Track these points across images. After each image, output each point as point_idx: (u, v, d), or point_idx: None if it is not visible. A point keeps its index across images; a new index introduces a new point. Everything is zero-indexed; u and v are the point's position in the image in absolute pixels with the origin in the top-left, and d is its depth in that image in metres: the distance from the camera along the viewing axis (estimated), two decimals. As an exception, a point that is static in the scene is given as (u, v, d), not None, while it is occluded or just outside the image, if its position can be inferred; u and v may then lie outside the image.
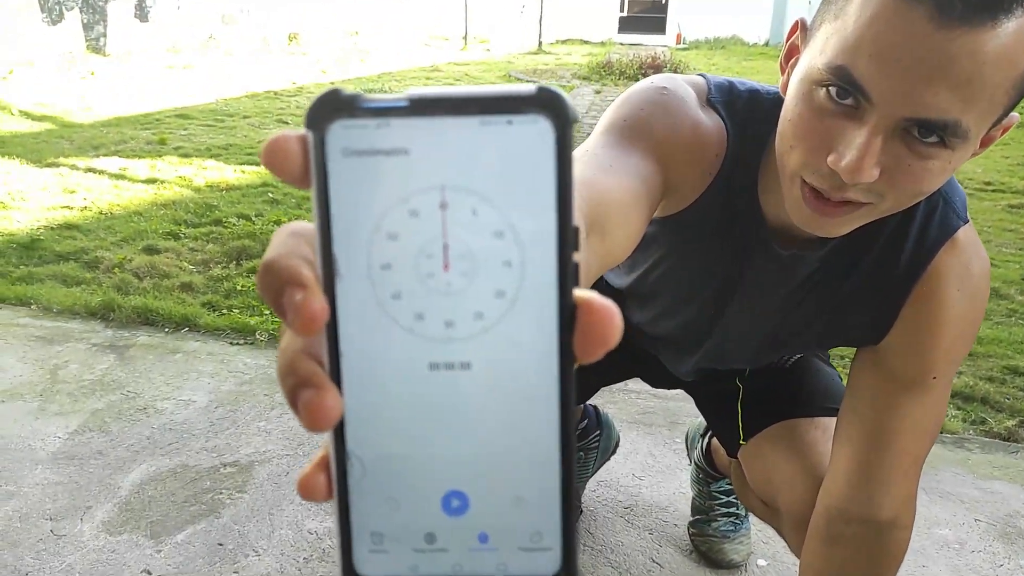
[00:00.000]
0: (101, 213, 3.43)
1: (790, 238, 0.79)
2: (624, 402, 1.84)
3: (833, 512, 0.88)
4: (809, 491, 0.94)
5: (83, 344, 2.13)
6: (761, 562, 1.35)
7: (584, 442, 1.43)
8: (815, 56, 0.62)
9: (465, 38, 15.71)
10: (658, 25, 19.56)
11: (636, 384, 1.98)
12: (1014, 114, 0.64)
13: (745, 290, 0.86)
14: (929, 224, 0.78)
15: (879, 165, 0.61)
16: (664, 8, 19.86)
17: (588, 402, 1.44)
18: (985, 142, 0.65)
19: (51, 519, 1.41)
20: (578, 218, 0.23)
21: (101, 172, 4.20)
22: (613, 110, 0.74)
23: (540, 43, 14.84)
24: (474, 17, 16.54)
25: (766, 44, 17.23)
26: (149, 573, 1.29)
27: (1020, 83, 0.58)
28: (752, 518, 1.39)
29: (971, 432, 1.83)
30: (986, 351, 2.29)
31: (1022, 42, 0.56)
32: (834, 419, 0.92)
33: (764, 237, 0.80)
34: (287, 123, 6.00)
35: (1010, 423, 1.90)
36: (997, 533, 1.45)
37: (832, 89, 0.61)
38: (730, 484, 1.35)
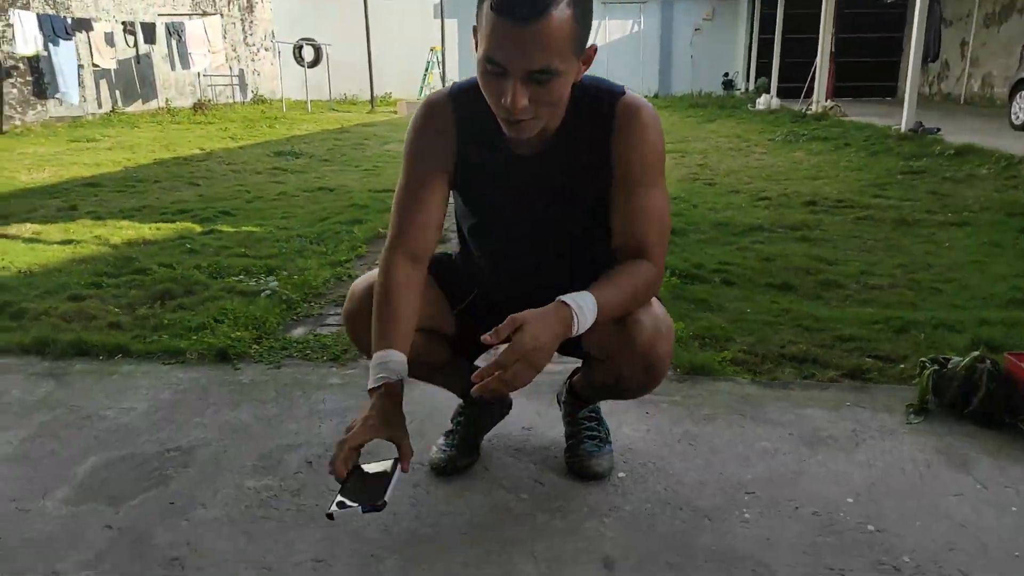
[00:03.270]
0: (20, 272, 3.56)
1: (523, 147, 1.36)
2: (515, 379, 2.17)
3: (619, 250, 1.38)
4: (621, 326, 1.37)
5: (21, 375, 2.31)
6: (621, 475, 1.68)
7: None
8: (480, 47, 1.19)
9: (372, 101, 16.14)
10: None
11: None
12: (592, 44, 1.25)
13: (523, 181, 1.40)
14: (590, 99, 1.33)
15: (525, 96, 1.19)
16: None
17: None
18: (585, 61, 1.25)
19: (14, 500, 1.61)
20: None
21: (14, 238, 4.31)
22: None
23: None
24: (381, 81, 17.04)
25: (655, 96, 18.48)
26: (110, 527, 1.51)
27: (575, 37, 1.17)
28: (613, 440, 1.73)
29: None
30: (821, 326, 2.73)
31: (561, 19, 1.13)
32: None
33: (506, 152, 1.38)
34: (198, 185, 6.19)
35: (832, 374, 2.32)
36: (804, 441, 1.83)
37: (489, 65, 1.18)
38: (591, 411, 1.70)
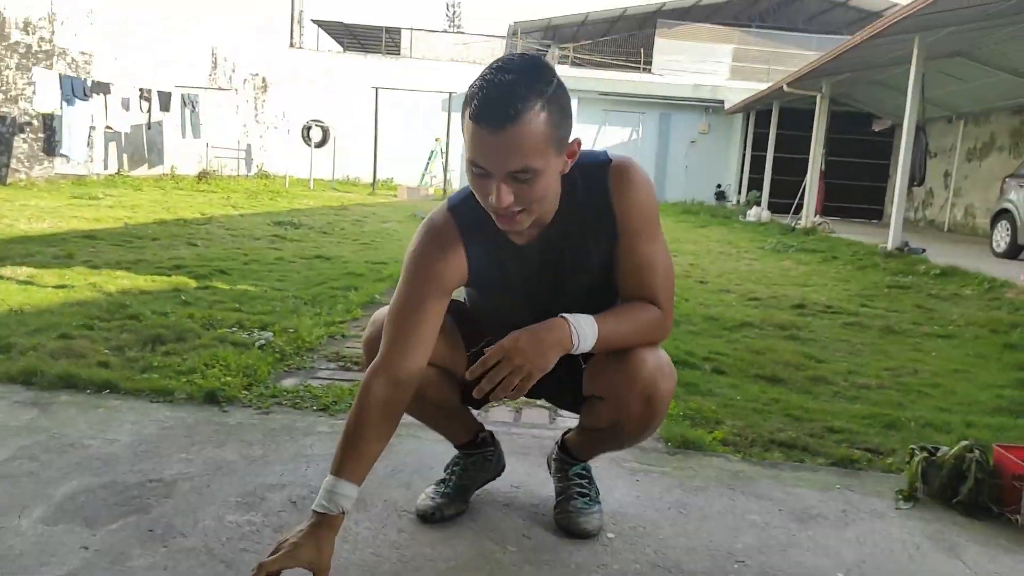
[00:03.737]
0: (11, 310, 3.55)
1: (523, 235, 1.42)
2: (507, 440, 2.15)
3: (626, 301, 1.44)
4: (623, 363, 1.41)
5: (4, 402, 2.27)
6: (610, 535, 1.66)
7: (483, 451, 1.74)
8: (466, 152, 1.27)
9: (374, 184, 16.48)
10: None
11: (517, 428, 2.31)
12: (576, 139, 1.32)
13: (532, 270, 1.45)
14: (586, 177, 1.39)
15: (511, 194, 1.25)
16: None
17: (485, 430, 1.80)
18: (571, 155, 1.32)
19: (-11, 517, 1.57)
20: None
21: (8, 279, 4.31)
22: None
23: (444, 190, 15.79)
24: (384, 166, 17.46)
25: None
26: (86, 548, 1.47)
27: (552, 137, 1.23)
28: (603, 502, 1.71)
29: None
30: (810, 416, 2.74)
31: (534, 123, 1.20)
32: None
33: (511, 244, 1.44)
34: (196, 245, 6.25)
35: (822, 461, 2.32)
36: (794, 517, 1.82)
37: (474, 168, 1.26)
38: (583, 469, 1.69)
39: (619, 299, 1.49)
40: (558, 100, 1.24)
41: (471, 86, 1.24)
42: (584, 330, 1.30)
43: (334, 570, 1.43)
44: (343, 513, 1.35)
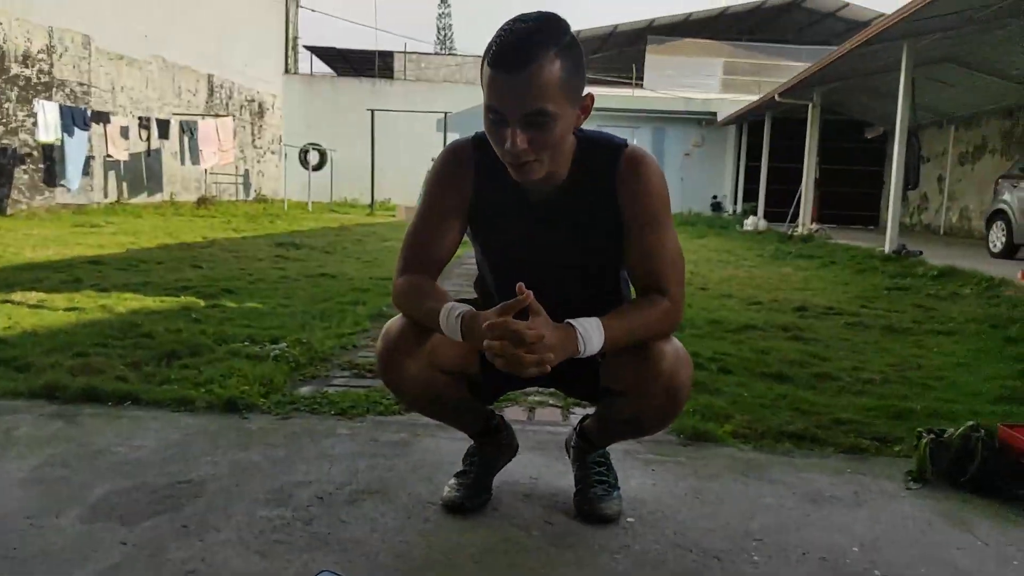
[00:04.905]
0: (25, 332, 3.59)
1: (535, 193, 1.48)
2: (523, 436, 2.20)
3: (639, 290, 1.50)
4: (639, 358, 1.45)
5: (31, 415, 2.32)
6: (630, 519, 1.70)
7: (498, 437, 1.79)
8: (484, 100, 1.33)
9: (372, 205, 16.56)
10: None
11: (532, 425, 2.36)
12: (589, 93, 1.38)
13: (539, 227, 1.52)
14: (595, 151, 1.46)
15: (526, 140, 1.31)
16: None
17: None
18: (584, 110, 1.39)
19: (28, 518, 1.61)
20: None
21: (19, 303, 4.35)
22: None
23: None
24: (381, 187, 17.55)
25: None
26: (124, 543, 1.51)
27: (565, 85, 1.30)
28: (622, 491, 1.76)
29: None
30: (817, 410, 2.79)
31: (549, 68, 1.27)
32: None
33: (519, 193, 1.49)
34: (201, 267, 6.31)
35: (831, 450, 2.37)
36: (807, 499, 1.87)
37: (491, 114, 1.33)
38: (601, 456, 1.74)
39: (628, 286, 1.55)
40: (572, 51, 1.32)
41: (491, 39, 1.31)
42: (591, 335, 1.34)
43: (364, 559, 1.48)
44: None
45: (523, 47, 1.27)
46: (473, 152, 1.53)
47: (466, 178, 1.53)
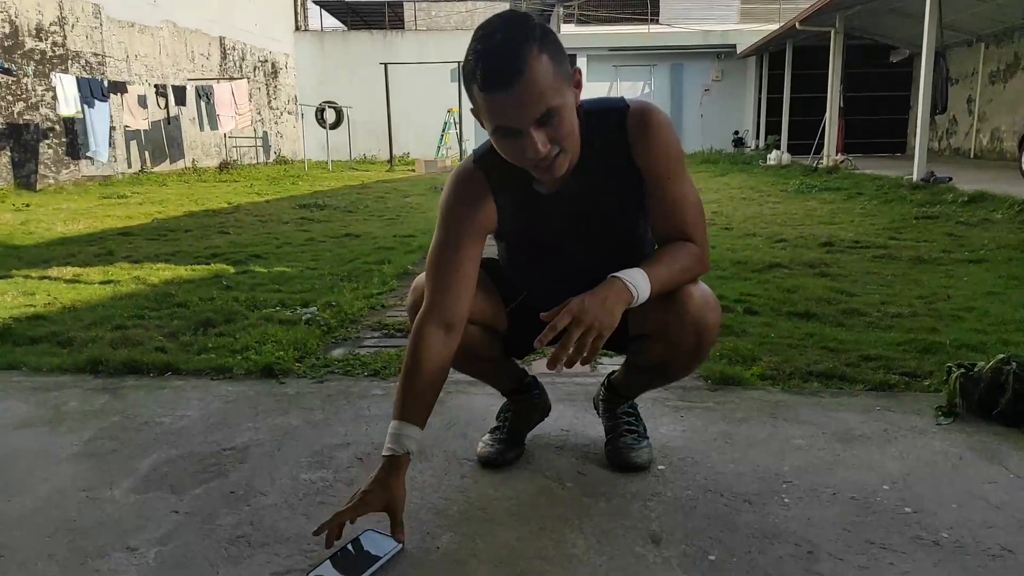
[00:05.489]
0: (64, 307, 3.69)
1: (547, 184, 1.47)
2: (552, 388, 2.24)
3: (664, 240, 1.51)
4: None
5: (78, 389, 2.41)
6: (660, 467, 1.74)
7: (529, 395, 1.84)
8: (487, 124, 1.33)
9: (391, 160, 16.52)
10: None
11: (560, 378, 2.39)
12: (576, 67, 1.37)
13: (561, 220, 1.51)
14: (600, 122, 1.44)
15: (546, 141, 1.31)
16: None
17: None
18: (577, 84, 1.36)
19: (83, 490, 1.69)
20: None
21: (56, 279, 4.46)
22: None
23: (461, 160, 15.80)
24: (399, 142, 17.48)
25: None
26: (176, 512, 1.59)
27: (558, 72, 1.29)
28: (650, 438, 1.80)
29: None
30: (845, 347, 2.80)
31: (540, 66, 1.26)
32: None
33: (536, 194, 1.49)
34: (228, 233, 6.38)
35: (860, 388, 2.38)
36: (837, 438, 1.89)
37: (502, 133, 1.32)
38: (630, 407, 1.78)
39: (654, 240, 1.55)
40: (547, 37, 1.30)
41: (466, 62, 1.29)
42: (639, 282, 1.36)
43: (406, 515, 1.53)
44: (409, 455, 1.43)
45: (508, 59, 1.24)
46: (479, 172, 1.51)
47: (486, 200, 1.51)
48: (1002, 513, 1.51)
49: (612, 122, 1.45)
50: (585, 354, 1.31)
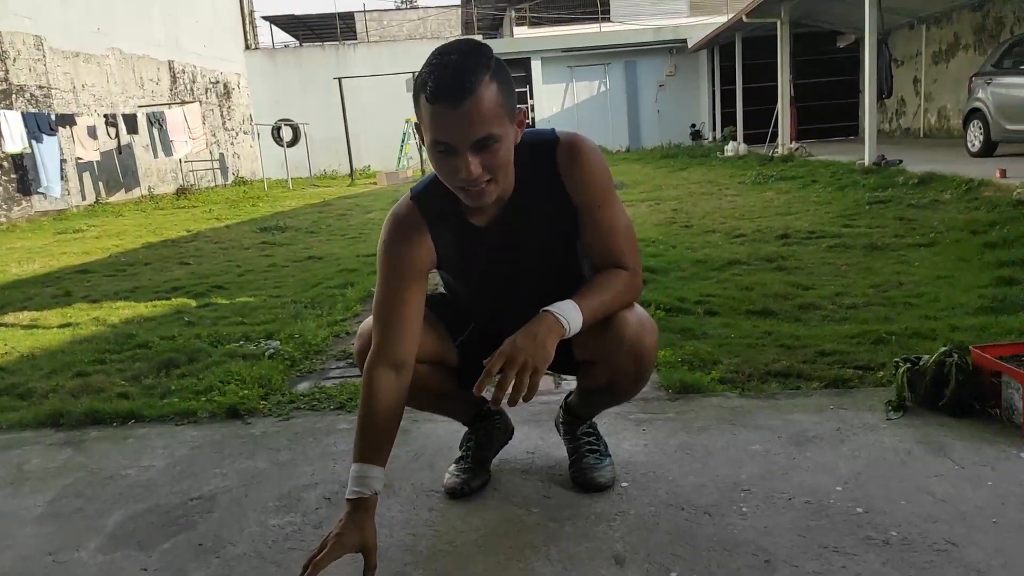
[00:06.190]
0: (22, 356, 3.63)
1: (483, 216, 1.52)
2: (514, 409, 2.26)
3: (599, 266, 1.54)
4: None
5: (39, 446, 2.38)
6: (624, 484, 1.78)
7: (490, 422, 1.87)
8: (427, 136, 1.35)
9: (351, 175, 16.44)
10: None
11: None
12: (521, 108, 1.38)
13: (497, 252, 1.55)
14: (530, 154, 1.47)
15: (479, 165, 1.33)
16: (532, 130, 21.58)
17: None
18: (520, 124, 1.42)
19: (50, 554, 1.69)
20: None
21: (12, 325, 4.38)
22: None
23: (423, 169, 15.77)
24: (359, 155, 17.39)
25: (627, 150, 19.00)
26: (146, 569, 1.59)
27: (504, 104, 1.33)
28: (613, 454, 1.84)
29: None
30: (802, 344, 2.87)
31: (488, 92, 1.30)
32: None
33: (472, 223, 1.52)
34: (189, 263, 6.32)
35: (816, 385, 2.44)
36: (792, 442, 1.95)
37: (439, 148, 1.33)
38: (589, 427, 1.82)
39: (588, 264, 1.59)
40: (502, 72, 1.35)
41: (419, 75, 1.33)
42: (570, 314, 1.40)
43: (377, 554, 1.55)
44: (376, 494, 1.45)
45: (461, 78, 1.28)
46: (414, 207, 1.54)
47: (422, 237, 1.53)
48: (947, 506, 1.58)
49: (542, 155, 1.49)
50: (524, 392, 1.34)
